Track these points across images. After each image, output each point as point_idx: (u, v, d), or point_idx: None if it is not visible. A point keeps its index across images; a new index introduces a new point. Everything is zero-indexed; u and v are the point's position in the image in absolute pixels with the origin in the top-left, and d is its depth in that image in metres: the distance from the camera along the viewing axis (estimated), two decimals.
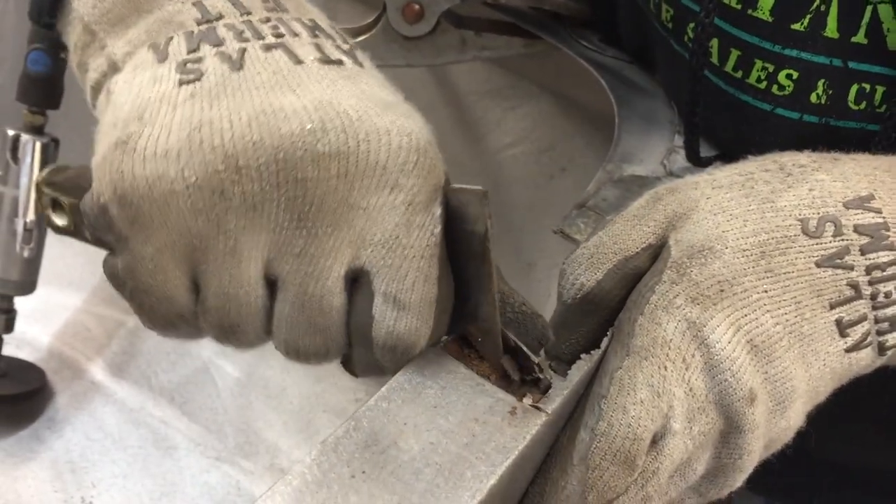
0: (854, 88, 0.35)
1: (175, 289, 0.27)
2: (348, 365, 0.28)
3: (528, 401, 0.25)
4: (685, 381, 0.26)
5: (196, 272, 0.26)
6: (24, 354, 0.60)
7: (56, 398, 0.60)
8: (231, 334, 0.28)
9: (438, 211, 0.26)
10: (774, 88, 0.36)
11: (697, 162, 0.39)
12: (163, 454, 0.58)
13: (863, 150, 0.31)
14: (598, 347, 0.27)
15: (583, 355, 0.27)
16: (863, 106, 0.35)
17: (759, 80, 0.37)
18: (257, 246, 0.26)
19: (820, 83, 0.35)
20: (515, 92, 0.56)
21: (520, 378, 0.26)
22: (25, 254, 0.55)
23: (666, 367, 0.26)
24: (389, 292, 0.26)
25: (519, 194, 0.57)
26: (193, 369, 0.62)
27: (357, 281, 0.27)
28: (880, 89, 0.34)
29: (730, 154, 0.40)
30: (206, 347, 0.63)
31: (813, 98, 0.35)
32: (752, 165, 0.30)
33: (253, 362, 0.62)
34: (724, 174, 0.30)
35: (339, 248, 0.26)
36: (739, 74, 0.37)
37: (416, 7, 0.48)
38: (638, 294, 0.28)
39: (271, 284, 0.27)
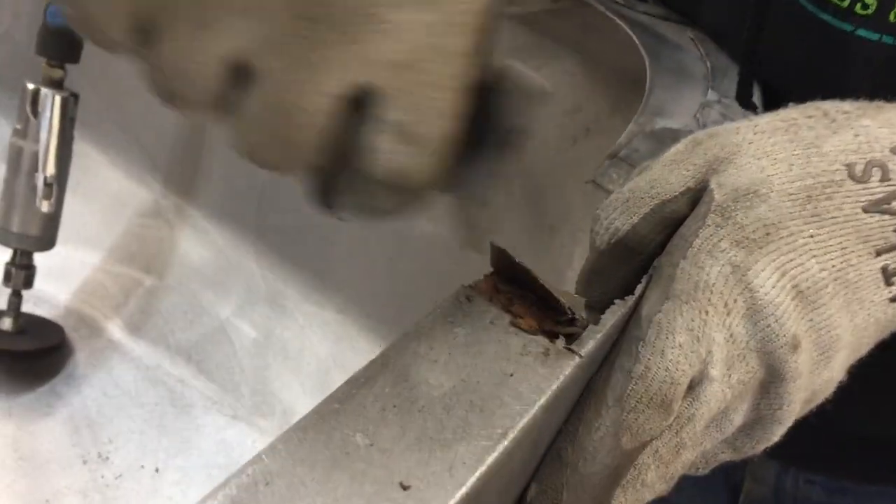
0: None
1: (114, 20, 0.23)
2: (325, 197, 0.25)
3: (560, 343, 0.24)
4: (726, 327, 0.25)
5: (149, 14, 0.23)
6: (42, 311, 0.60)
7: (74, 355, 0.60)
8: (173, 100, 0.24)
9: (472, 40, 0.23)
10: (858, 7, 0.36)
11: (747, 104, 0.38)
12: (179, 412, 0.58)
13: None
14: (633, 294, 0.27)
15: (616, 301, 0.26)
16: None
17: (864, 5, 0.36)
18: (235, 24, 0.22)
19: None
20: (540, 51, 0.55)
21: (553, 320, 0.25)
22: (45, 209, 0.55)
23: (707, 312, 0.25)
24: (398, 120, 0.23)
25: (541, 157, 0.56)
26: (210, 328, 0.62)
27: (360, 106, 0.23)
28: None
29: (804, 85, 0.39)
30: (225, 307, 0.63)
31: (891, 17, 0.35)
32: (794, 112, 0.29)
33: (270, 323, 0.62)
34: (765, 120, 0.29)
35: (342, 60, 0.22)
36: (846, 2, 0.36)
37: None
38: (680, 238, 0.27)
39: (241, 71, 0.23)
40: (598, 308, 0.27)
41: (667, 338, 0.25)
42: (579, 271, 0.30)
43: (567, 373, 0.23)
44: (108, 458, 0.54)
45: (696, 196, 0.28)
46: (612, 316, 0.26)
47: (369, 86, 0.23)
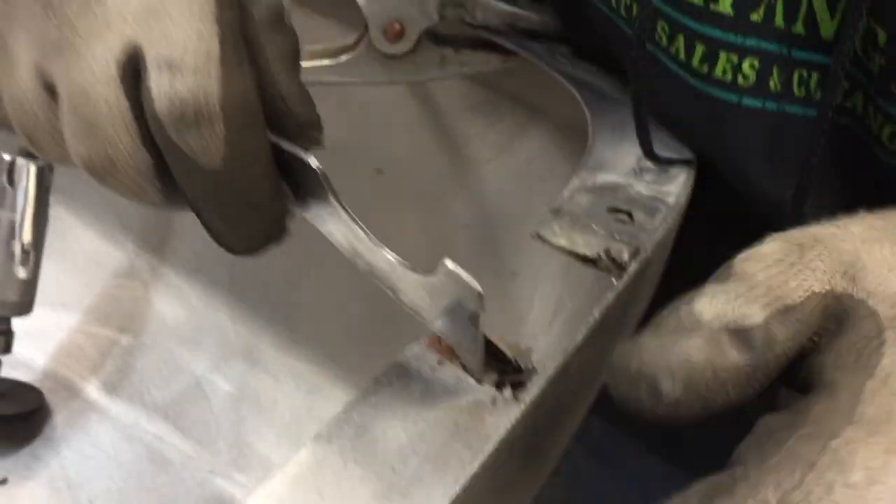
0: (796, 75, 0.36)
1: None
2: (169, 189, 0.27)
3: (507, 392, 0.27)
4: None
5: None
6: (19, 375, 0.61)
7: (52, 417, 0.61)
8: (33, 145, 0.27)
9: None
10: (740, 79, 0.38)
11: (652, 157, 0.41)
12: (158, 469, 0.59)
13: (809, 136, 0.33)
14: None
15: (559, 348, 0.29)
16: (803, 92, 0.37)
17: (724, 72, 0.38)
18: (20, 41, 0.25)
19: (775, 70, 0.37)
20: (494, 107, 0.58)
21: (500, 370, 0.27)
22: (22, 275, 0.56)
23: (892, 451, 0.22)
24: (160, 57, 0.24)
25: (500, 205, 0.58)
26: (186, 385, 0.63)
27: (138, 70, 0.25)
28: (815, 76, 0.36)
29: (696, 151, 0.42)
30: (200, 364, 0.64)
31: (771, 85, 0.37)
32: (878, 221, 0.27)
33: (244, 377, 0.63)
34: (858, 228, 0.26)
35: (97, 30, 0.24)
36: (706, 69, 0.39)
37: (398, 26, 0.50)
38: (853, 354, 0.23)
39: (52, 89, 0.25)
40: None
41: (840, 472, 0.21)
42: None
43: (513, 420, 0.25)
44: None
45: (825, 305, 0.24)
46: (554, 361, 0.28)
47: (131, 41, 0.24)
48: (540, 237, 0.34)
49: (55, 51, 0.25)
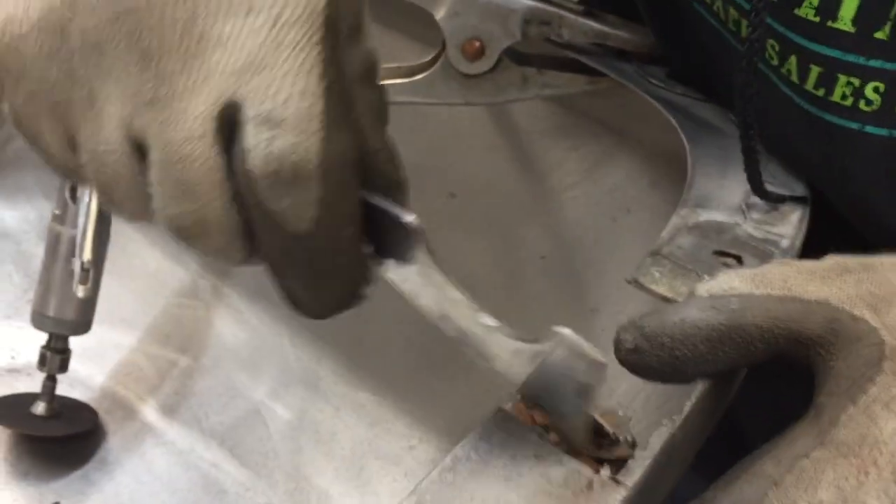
0: None
1: (50, 142, 0.25)
2: (253, 250, 0.26)
3: (605, 472, 0.23)
4: (889, 496, 0.22)
5: (67, 126, 0.25)
6: (76, 394, 0.60)
7: (107, 439, 0.59)
8: (111, 203, 0.26)
9: (318, 34, 0.24)
10: (862, 104, 0.34)
11: (763, 195, 0.37)
12: (212, 499, 0.57)
13: None
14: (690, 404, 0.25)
15: (664, 420, 0.25)
16: None
17: (843, 96, 0.35)
18: (111, 97, 0.24)
19: None
20: (578, 131, 0.54)
21: (596, 443, 0.24)
22: (81, 293, 0.55)
23: (867, 473, 0.22)
24: (260, 114, 0.23)
25: (581, 237, 0.55)
26: (244, 411, 0.61)
27: (233, 124, 0.24)
28: None
29: (809, 183, 0.38)
30: (258, 390, 0.62)
31: None
32: None
33: (304, 405, 0.61)
34: None
35: (195, 86, 0.23)
36: (822, 93, 0.35)
37: (477, 44, 0.47)
38: (846, 379, 0.24)
39: (141, 147, 0.24)
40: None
41: (806, 490, 0.22)
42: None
43: None
44: None
45: (834, 325, 0.25)
46: (660, 439, 0.24)
47: (229, 98, 0.23)
48: (637, 284, 0.30)
49: (149, 107, 0.24)
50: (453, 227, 0.57)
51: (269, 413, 0.60)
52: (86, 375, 0.61)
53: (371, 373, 0.60)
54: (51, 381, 0.56)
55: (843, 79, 0.34)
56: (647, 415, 0.27)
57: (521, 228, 0.57)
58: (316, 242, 0.25)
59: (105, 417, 0.60)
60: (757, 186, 0.37)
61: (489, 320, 0.25)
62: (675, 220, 0.34)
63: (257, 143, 0.23)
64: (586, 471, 0.22)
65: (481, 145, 0.57)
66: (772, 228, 0.35)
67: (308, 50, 0.24)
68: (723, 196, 0.36)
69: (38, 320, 0.56)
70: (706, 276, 0.31)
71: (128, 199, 0.26)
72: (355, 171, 0.26)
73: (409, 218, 0.26)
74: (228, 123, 0.24)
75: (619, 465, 0.23)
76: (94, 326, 0.59)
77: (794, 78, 0.36)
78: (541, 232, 0.56)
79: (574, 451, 0.23)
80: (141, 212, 0.26)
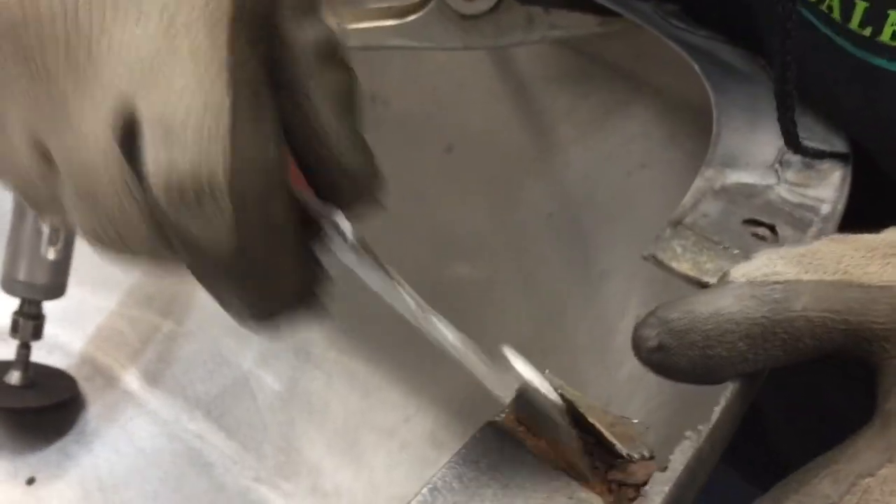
0: None
1: None
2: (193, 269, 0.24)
3: (617, 500, 0.19)
4: None
5: None
6: (55, 359, 0.57)
7: (87, 409, 0.56)
8: (34, 209, 0.25)
9: (223, 35, 0.21)
10: None
11: (799, 149, 0.33)
12: (198, 473, 0.54)
13: None
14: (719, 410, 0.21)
15: (687, 433, 0.21)
16: None
17: (893, 36, 0.31)
18: (12, 114, 0.23)
19: None
20: (588, 77, 0.49)
21: (607, 466, 0.20)
22: (51, 255, 0.52)
23: None
24: (158, 131, 0.21)
25: (591, 193, 0.50)
26: (231, 379, 0.58)
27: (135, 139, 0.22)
28: None
29: (855, 134, 0.33)
30: (246, 357, 0.58)
31: None
32: None
33: (295, 374, 0.57)
34: None
35: (89, 91, 0.22)
36: (868, 32, 0.31)
37: None
38: None
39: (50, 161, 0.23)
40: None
41: None
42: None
43: None
44: None
45: None
46: (684, 456, 0.20)
47: (128, 113, 0.22)
48: (656, 261, 0.26)
49: (46, 118, 0.23)
50: (451, 184, 0.53)
51: (258, 382, 0.57)
52: (64, 341, 0.58)
53: (365, 339, 0.56)
54: (25, 348, 0.53)
55: (893, 15, 0.30)
56: (668, 422, 0.23)
57: (525, 184, 0.52)
58: (240, 264, 0.23)
59: (84, 385, 0.57)
60: (792, 139, 0.32)
61: (452, 334, 0.21)
62: (698, 183, 0.30)
63: (156, 161, 0.21)
64: (594, 500, 0.18)
65: (481, 94, 0.53)
66: (809, 191, 0.30)
67: (211, 55, 0.21)
68: (753, 154, 0.32)
69: (8, 285, 0.52)
70: (736, 250, 0.27)
71: (50, 211, 0.24)
72: (279, 179, 0.23)
73: (342, 222, 0.24)
74: (130, 131, 0.22)
75: (635, 488, 0.19)
76: (72, 288, 0.56)
77: (836, 15, 0.32)
78: (546, 188, 0.52)
79: (579, 474, 0.19)
80: (63, 221, 0.25)
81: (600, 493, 0.19)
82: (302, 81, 0.24)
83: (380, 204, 0.26)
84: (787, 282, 0.23)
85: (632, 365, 0.40)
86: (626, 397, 0.45)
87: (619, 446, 0.19)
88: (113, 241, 0.23)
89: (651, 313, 0.23)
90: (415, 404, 0.55)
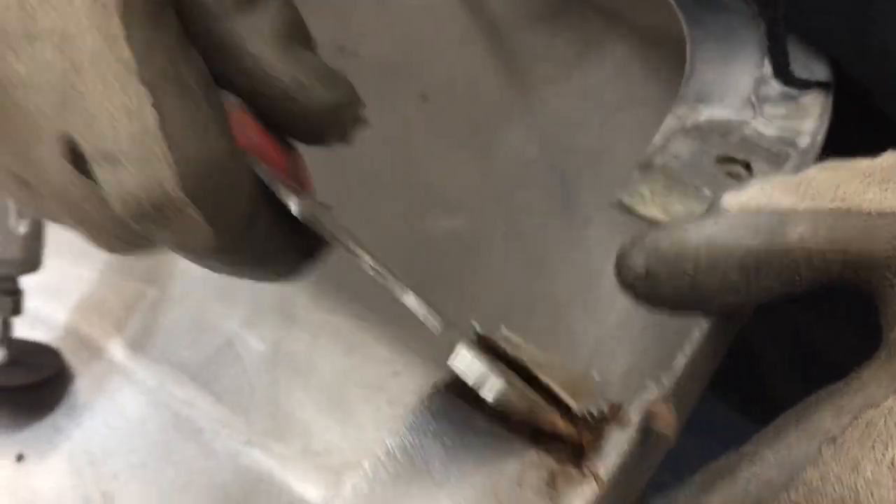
0: None
1: None
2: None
3: (572, 460, 0.18)
4: None
5: None
6: (39, 334, 0.56)
7: (74, 382, 0.55)
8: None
9: (125, 51, 0.21)
10: None
11: (790, 80, 0.31)
12: (186, 439, 0.53)
13: None
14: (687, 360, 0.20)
15: (648, 383, 0.20)
16: None
17: None
18: None
19: None
20: (563, 16, 0.47)
21: (557, 426, 0.19)
22: (22, 229, 0.50)
23: None
24: (96, 153, 0.21)
25: (571, 137, 0.49)
26: (216, 344, 0.57)
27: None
28: None
29: (840, 59, 0.32)
30: (231, 320, 0.57)
31: None
32: None
33: (279, 335, 0.56)
34: None
35: (37, 135, 0.22)
36: None
37: None
38: None
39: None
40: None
41: (873, 447, 0.18)
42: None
43: None
44: (113, 497, 0.50)
45: None
46: (643, 408, 0.19)
47: (67, 138, 0.22)
48: (623, 206, 0.24)
49: (12, 154, 0.23)
50: (427, 134, 0.51)
51: (244, 345, 0.56)
52: (47, 313, 0.57)
53: (349, 296, 0.55)
54: (5, 326, 0.52)
55: None
56: (651, 370, 0.22)
57: (504, 130, 0.51)
58: (225, 254, 0.24)
59: (70, 358, 0.56)
60: (782, 70, 0.30)
61: (420, 307, 0.20)
62: (669, 122, 0.28)
63: (106, 182, 0.22)
64: (547, 461, 0.17)
65: (454, 39, 0.51)
66: (788, 123, 0.28)
67: (118, 67, 0.21)
68: (728, 87, 0.30)
69: None
70: (707, 191, 0.25)
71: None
72: (237, 165, 0.22)
73: (291, 202, 0.24)
74: (81, 159, 0.22)
75: (589, 445, 0.18)
76: (51, 259, 0.55)
77: None
78: (526, 133, 0.50)
79: (532, 436, 0.18)
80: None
81: (552, 452, 0.18)
82: (229, 39, 0.23)
83: (356, 130, 0.26)
84: (782, 211, 0.21)
85: (618, 312, 0.38)
86: (614, 344, 0.44)
87: (571, 403, 0.18)
88: (112, 248, 0.24)
89: (638, 239, 0.22)
90: (402, 360, 0.54)
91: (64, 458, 0.51)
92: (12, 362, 0.53)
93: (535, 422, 0.17)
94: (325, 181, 0.52)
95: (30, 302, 0.54)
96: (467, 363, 0.18)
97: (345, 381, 0.57)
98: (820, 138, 0.28)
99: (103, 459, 0.52)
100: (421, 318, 0.21)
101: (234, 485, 0.51)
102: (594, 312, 0.48)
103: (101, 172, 0.21)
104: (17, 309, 0.53)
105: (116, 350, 0.58)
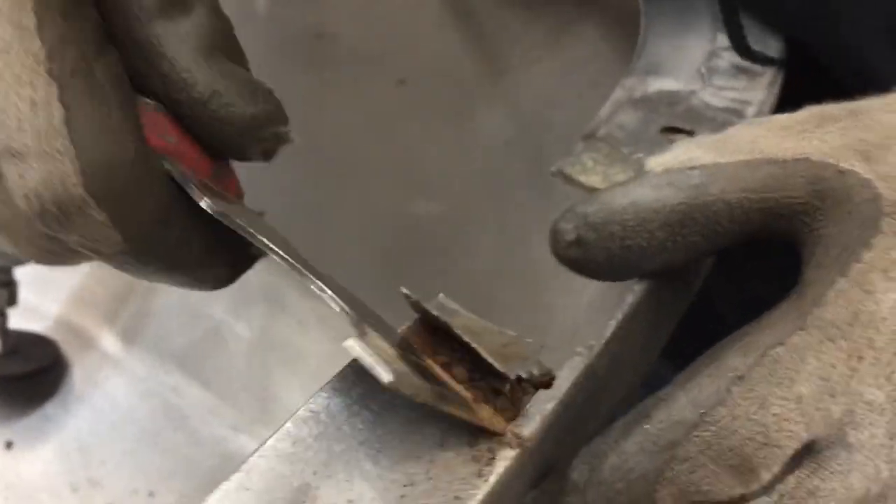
0: None
1: None
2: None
3: (496, 421, 0.18)
4: (891, 382, 0.18)
5: None
6: (33, 324, 0.57)
7: (69, 372, 0.56)
8: None
9: (38, 52, 0.20)
10: None
11: (745, 53, 0.31)
12: (175, 426, 0.54)
13: None
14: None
15: (578, 348, 0.20)
16: None
17: None
18: None
19: None
20: (535, 1, 0.47)
21: (488, 387, 0.19)
22: None
23: (861, 358, 0.19)
24: (1, 149, 0.20)
25: (546, 117, 0.49)
26: (204, 331, 0.57)
27: None
28: None
29: (796, 32, 0.32)
30: (218, 307, 0.58)
31: None
32: None
33: (266, 322, 0.57)
34: None
35: None
36: None
37: None
38: (836, 248, 0.20)
39: None
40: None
41: (779, 384, 0.18)
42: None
43: (501, 472, 0.17)
44: (99, 483, 0.51)
45: (818, 185, 0.21)
46: (571, 373, 0.19)
47: None
48: (564, 176, 0.25)
49: None
50: (405, 118, 0.52)
51: (231, 332, 0.57)
52: (38, 304, 0.58)
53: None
54: (1, 316, 0.53)
55: None
56: (575, 335, 0.22)
57: (481, 113, 0.51)
58: (134, 262, 0.22)
59: (63, 348, 0.57)
60: (737, 41, 0.30)
61: (347, 311, 0.20)
62: (617, 94, 0.28)
63: (11, 180, 0.20)
64: (471, 424, 0.18)
65: (431, 24, 0.51)
66: (736, 95, 0.29)
67: (27, 59, 0.20)
68: (679, 60, 0.30)
69: None
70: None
71: None
72: (150, 169, 0.21)
73: (203, 203, 0.21)
74: None
75: (515, 407, 0.18)
76: None
77: None
78: (503, 116, 0.50)
79: (456, 398, 0.18)
80: None
81: (477, 414, 0.18)
82: (151, 40, 0.22)
83: (278, 149, 0.24)
84: (703, 166, 0.22)
85: (594, 288, 0.38)
86: (591, 320, 0.45)
87: (497, 366, 0.19)
88: (35, 256, 0.23)
89: (569, 209, 0.23)
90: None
91: (53, 446, 0.52)
92: (9, 352, 0.54)
93: (446, 412, 0.18)
94: (304, 167, 0.52)
95: (22, 293, 0.55)
96: (357, 354, 0.18)
97: (332, 366, 0.57)
98: (767, 109, 0.28)
99: (91, 447, 0.52)
100: (337, 311, 0.21)
101: (221, 470, 0.52)
102: (572, 290, 0.48)
103: (6, 168, 0.20)
104: (12, 299, 0.53)
105: (107, 339, 0.59)
